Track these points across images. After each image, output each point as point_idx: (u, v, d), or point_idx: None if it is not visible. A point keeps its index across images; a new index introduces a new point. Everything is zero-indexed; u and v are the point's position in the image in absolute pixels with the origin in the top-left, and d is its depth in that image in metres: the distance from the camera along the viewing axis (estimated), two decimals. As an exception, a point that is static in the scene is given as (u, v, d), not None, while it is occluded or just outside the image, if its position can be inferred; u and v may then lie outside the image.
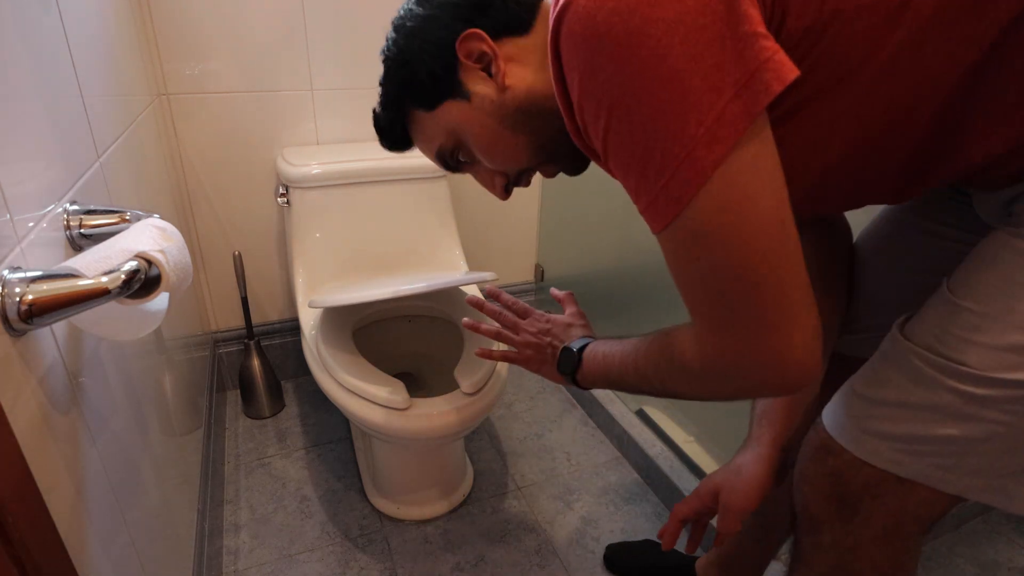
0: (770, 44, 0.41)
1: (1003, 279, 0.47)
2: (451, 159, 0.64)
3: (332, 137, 1.44)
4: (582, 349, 0.68)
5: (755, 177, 0.42)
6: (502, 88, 0.56)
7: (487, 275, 1.05)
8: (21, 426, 0.39)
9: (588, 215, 1.52)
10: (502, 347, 0.82)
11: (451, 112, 0.59)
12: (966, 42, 0.43)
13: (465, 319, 0.84)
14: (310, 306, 1.07)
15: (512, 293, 1.82)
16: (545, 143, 0.59)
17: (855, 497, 0.56)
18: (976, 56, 0.43)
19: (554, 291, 0.84)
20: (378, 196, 1.35)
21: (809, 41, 0.43)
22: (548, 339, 0.74)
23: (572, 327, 0.74)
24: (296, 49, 1.34)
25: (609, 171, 0.50)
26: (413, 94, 0.60)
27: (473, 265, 1.45)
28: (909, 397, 0.51)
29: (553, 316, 0.78)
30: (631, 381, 0.61)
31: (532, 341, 0.76)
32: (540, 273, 1.84)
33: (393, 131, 0.65)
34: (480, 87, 0.57)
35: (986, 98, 0.45)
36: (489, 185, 0.65)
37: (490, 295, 0.84)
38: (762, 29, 0.41)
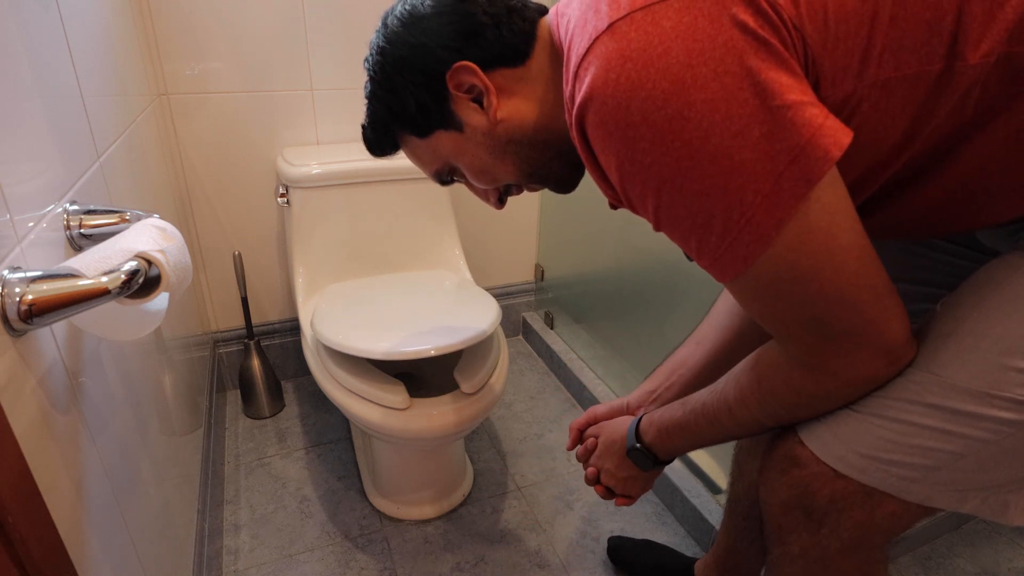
0: (819, 110, 0.42)
1: (1007, 299, 0.47)
2: (446, 177, 0.67)
3: (332, 137, 1.44)
4: (637, 428, 0.69)
5: (832, 216, 0.43)
6: (494, 122, 0.57)
7: (492, 318, 1.05)
8: (21, 426, 0.39)
9: (589, 215, 1.52)
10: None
11: (443, 141, 0.60)
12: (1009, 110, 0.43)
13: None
14: (313, 329, 1.06)
15: (512, 293, 1.85)
16: (533, 171, 0.61)
17: (821, 510, 0.55)
18: (1018, 123, 0.44)
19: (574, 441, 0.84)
20: (378, 196, 1.35)
21: (847, 112, 0.44)
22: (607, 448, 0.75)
23: (608, 424, 0.75)
24: (296, 49, 1.34)
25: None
26: (403, 123, 0.61)
27: (473, 265, 1.45)
28: (890, 410, 0.50)
29: (594, 430, 0.78)
30: (726, 430, 0.60)
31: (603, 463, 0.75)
32: (540, 273, 1.84)
33: (382, 147, 0.66)
34: (472, 118, 0.57)
35: (1012, 165, 0.46)
36: (484, 197, 0.68)
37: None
38: (806, 97, 0.42)
